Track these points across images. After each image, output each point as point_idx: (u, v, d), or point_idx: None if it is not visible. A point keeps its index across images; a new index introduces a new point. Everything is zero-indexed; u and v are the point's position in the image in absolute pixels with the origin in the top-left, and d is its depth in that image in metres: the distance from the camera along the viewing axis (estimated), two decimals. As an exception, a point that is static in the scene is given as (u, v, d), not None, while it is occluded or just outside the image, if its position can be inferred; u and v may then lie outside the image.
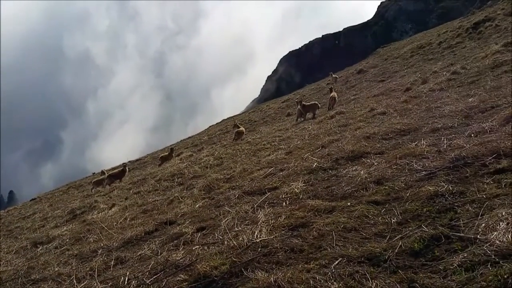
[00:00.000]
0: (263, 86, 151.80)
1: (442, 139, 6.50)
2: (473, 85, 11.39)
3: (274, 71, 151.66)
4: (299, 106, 19.13)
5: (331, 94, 19.43)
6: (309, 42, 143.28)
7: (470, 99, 8.90)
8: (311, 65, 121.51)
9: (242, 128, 20.56)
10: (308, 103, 18.85)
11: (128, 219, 8.57)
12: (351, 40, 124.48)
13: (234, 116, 51.81)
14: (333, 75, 36.66)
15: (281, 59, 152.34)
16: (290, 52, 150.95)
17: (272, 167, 8.61)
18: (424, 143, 6.50)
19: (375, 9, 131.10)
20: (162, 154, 21.49)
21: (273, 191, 6.96)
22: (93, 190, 19.09)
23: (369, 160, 6.50)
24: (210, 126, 49.54)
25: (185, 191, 9.99)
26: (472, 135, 6.22)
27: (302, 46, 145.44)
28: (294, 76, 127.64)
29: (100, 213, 10.64)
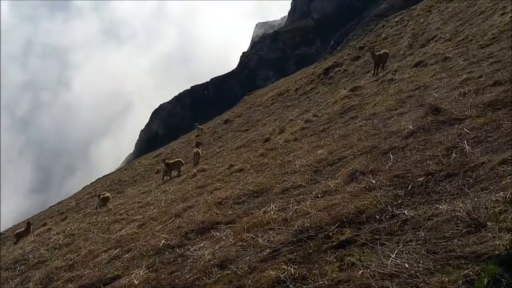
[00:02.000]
0: (137, 140, 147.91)
1: (291, 201, 6.11)
2: (324, 133, 11.60)
3: (147, 125, 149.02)
4: (163, 165, 18.26)
5: (195, 150, 18.93)
6: (179, 94, 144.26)
7: (319, 151, 8.84)
8: (183, 117, 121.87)
9: (107, 194, 19.05)
10: (172, 161, 18.09)
11: None
12: (219, 90, 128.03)
13: (107, 175, 48.86)
14: (199, 127, 36.52)
15: (153, 112, 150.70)
16: (161, 105, 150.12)
17: (120, 246, 7.53)
18: (274, 207, 6.03)
19: (238, 59, 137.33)
20: (18, 230, 18.76)
21: (113, 282, 5.93)
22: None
23: (218, 233, 5.82)
24: (84, 187, 45.94)
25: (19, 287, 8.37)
26: (319, 195, 5.91)
27: (172, 99, 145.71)
28: (166, 129, 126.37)
29: None
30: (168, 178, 17.82)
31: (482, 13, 19.88)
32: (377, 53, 19.97)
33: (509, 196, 3.66)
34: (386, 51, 21.00)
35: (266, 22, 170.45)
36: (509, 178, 4.09)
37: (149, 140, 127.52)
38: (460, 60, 13.13)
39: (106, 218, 11.48)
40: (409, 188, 4.95)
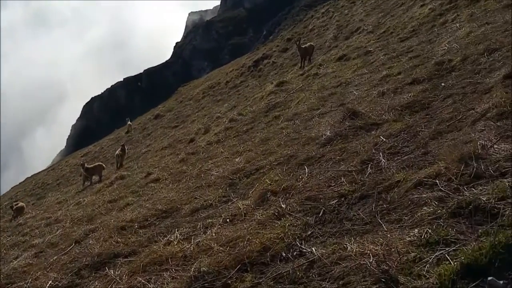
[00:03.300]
0: (69, 135, 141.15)
1: (198, 226, 5.49)
2: (246, 135, 11.08)
3: (79, 119, 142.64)
4: (82, 170, 17.03)
5: (117, 152, 17.83)
6: (112, 86, 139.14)
7: (237, 159, 8.28)
8: (117, 109, 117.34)
9: (21, 204, 17.46)
10: (92, 165, 16.88)
11: None
12: (153, 81, 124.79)
13: (35, 174, 45.80)
14: (129, 123, 34.95)
15: (85, 105, 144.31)
16: (92, 98, 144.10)
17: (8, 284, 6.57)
18: (178, 235, 5.38)
19: (172, 49, 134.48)
20: None
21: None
22: None
23: (112, 271, 5.08)
24: (13, 187, 42.75)
25: None
26: (228, 219, 5.33)
27: (105, 91, 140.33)
28: (100, 123, 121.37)
29: None
30: (89, 183, 16.64)
31: (403, 4, 20.13)
32: (303, 46, 19.71)
33: (424, 237, 3.24)
34: (312, 44, 20.83)
35: (199, 11, 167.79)
36: (425, 208, 3.69)
37: (81, 135, 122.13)
38: (380, 55, 13.03)
39: (9, 238, 10.28)
40: (320, 215, 4.48)
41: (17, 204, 17.18)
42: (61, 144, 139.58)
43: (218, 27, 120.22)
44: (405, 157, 5.26)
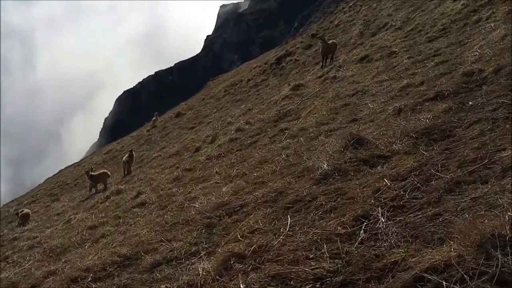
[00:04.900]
0: (102, 128, 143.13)
1: (149, 295, 4.40)
2: (250, 150, 9.95)
3: (111, 112, 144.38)
4: (87, 177, 16.29)
5: (124, 158, 17.00)
6: (143, 80, 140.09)
7: (225, 188, 7.13)
8: (148, 103, 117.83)
9: (26, 211, 16.92)
10: (96, 173, 16.10)
11: None
12: (184, 74, 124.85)
13: (65, 168, 45.77)
14: (154, 118, 34.31)
15: (117, 98, 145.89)
16: (124, 91, 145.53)
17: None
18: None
19: (202, 43, 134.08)
20: None
21: None
22: None
23: None
24: (47, 179, 42.82)
25: None
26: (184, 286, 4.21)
27: (137, 84, 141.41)
28: (131, 116, 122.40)
29: None
30: (94, 191, 15.89)
31: (435, -2, 18.37)
32: (326, 44, 18.28)
33: None
34: (335, 41, 19.38)
35: (230, 3, 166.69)
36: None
37: (113, 128, 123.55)
38: (404, 57, 11.58)
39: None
40: (283, 309, 3.29)
41: (22, 211, 16.64)
42: (95, 136, 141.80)
43: (249, 19, 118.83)
44: (410, 217, 3.98)
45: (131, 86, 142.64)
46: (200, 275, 4.29)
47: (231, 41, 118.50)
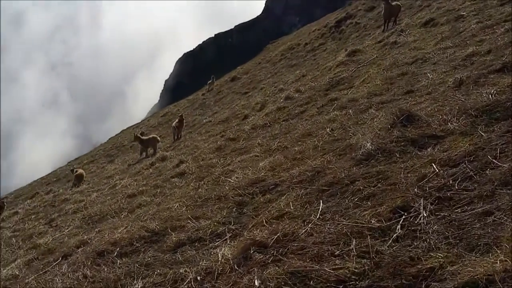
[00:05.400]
0: (162, 90, 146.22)
1: (167, 278, 4.19)
2: (296, 120, 9.48)
3: (171, 74, 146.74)
4: (137, 142, 16.51)
5: (174, 123, 17.01)
6: (203, 42, 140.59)
7: (263, 163, 6.76)
8: (208, 65, 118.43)
9: (80, 171, 17.51)
10: (146, 138, 16.25)
11: None
12: (244, 37, 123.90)
13: (127, 127, 47.14)
14: (209, 81, 34.30)
15: (176, 61, 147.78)
16: (184, 53, 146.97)
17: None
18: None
19: (263, 5, 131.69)
20: None
21: None
22: None
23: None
24: (110, 138, 44.58)
25: None
26: (198, 278, 3.95)
27: (196, 47, 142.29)
28: (191, 79, 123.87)
29: None
30: (145, 155, 16.09)
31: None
32: (389, 6, 17.01)
33: None
34: (399, 3, 17.98)
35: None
36: None
37: (173, 90, 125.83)
38: (473, 22, 10.45)
39: (35, 224, 9.84)
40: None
41: (77, 171, 17.20)
42: (157, 97, 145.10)
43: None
44: (457, 212, 3.44)
45: (191, 49, 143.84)
46: (219, 262, 4.00)
47: (293, 3, 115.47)
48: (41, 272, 5.86)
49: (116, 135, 44.86)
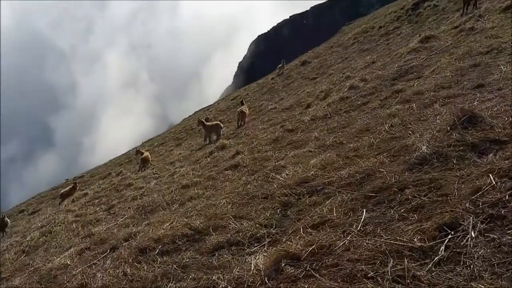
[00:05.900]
0: (235, 72, 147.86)
1: (200, 284, 4.18)
2: (357, 113, 9.10)
3: (245, 56, 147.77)
4: (200, 126, 16.77)
5: (240, 108, 17.06)
6: (277, 24, 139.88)
7: (313, 160, 6.55)
8: (282, 47, 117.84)
9: (146, 154, 18.13)
10: (210, 123, 16.43)
11: None
12: (320, 18, 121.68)
13: (201, 109, 48.20)
14: (279, 65, 33.94)
15: (251, 43, 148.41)
16: (259, 36, 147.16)
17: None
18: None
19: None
20: (63, 190, 18.49)
21: None
22: (61, 206, 16.04)
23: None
24: (184, 119, 45.98)
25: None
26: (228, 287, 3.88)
27: (270, 29, 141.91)
28: (265, 61, 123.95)
29: None
30: (208, 141, 16.30)
31: None
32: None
33: None
34: (480, -17, 16.67)
35: None
36: None
37: (247, 72, 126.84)
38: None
39: (96, 209, 10.31)
40: None
41: (142, 154, 17.77)
42: (230, 79, 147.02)
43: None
44: (508, 234, 3.07)
45: (266, 31, 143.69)
46: (251, 273, 3.92)
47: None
48: (88, 265, 6.12)
49: (189, 116, 46.00)
